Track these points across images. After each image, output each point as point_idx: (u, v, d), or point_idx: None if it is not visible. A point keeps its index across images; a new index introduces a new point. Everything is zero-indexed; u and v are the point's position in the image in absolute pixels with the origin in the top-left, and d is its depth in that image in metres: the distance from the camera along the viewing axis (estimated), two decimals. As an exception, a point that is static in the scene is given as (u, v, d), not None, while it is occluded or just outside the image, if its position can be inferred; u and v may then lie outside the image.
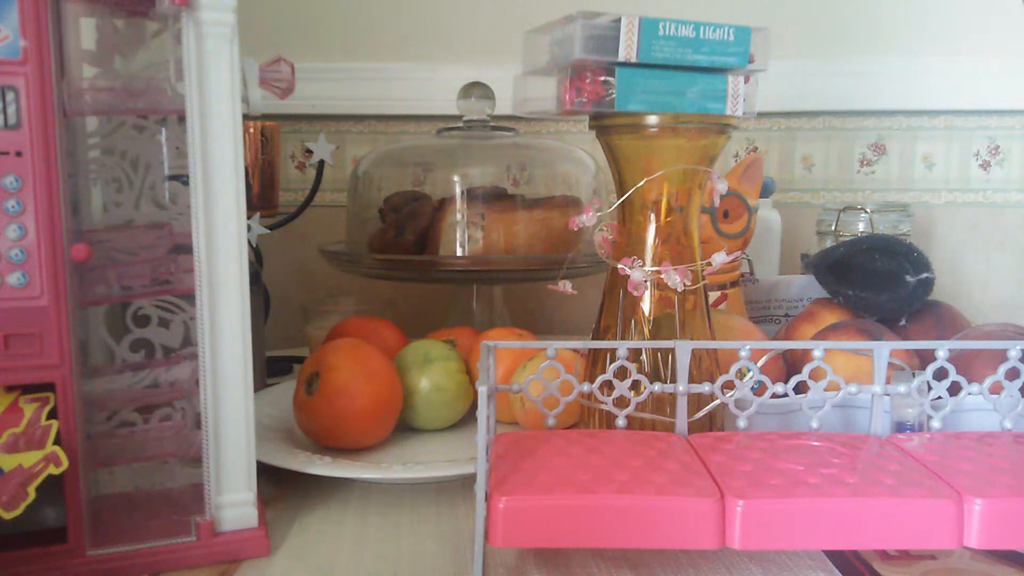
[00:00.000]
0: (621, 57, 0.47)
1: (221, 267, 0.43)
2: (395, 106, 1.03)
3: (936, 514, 0.39)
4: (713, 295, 0.73)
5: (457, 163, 0.85)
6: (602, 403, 0.48)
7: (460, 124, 0.85)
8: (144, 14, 0.45)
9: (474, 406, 0.50)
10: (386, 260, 0.80)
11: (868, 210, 0.88)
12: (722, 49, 0.48)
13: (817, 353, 0.48)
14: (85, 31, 0.44)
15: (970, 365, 0.55)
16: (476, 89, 0.83)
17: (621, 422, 0.48)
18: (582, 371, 0.57)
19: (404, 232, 0.81)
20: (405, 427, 0.64)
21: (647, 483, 0.40)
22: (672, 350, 0.50)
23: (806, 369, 0.48)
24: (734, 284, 0.75)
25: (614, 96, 0.48)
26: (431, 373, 0.63)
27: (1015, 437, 0.47)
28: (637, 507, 0.39)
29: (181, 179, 0.44)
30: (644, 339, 0.52)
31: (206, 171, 0.42)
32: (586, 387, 0.48)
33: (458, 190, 0.80)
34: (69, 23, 0.42)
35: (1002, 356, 0.48)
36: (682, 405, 0.48)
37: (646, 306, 0.52)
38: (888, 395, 0.49)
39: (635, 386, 0.48)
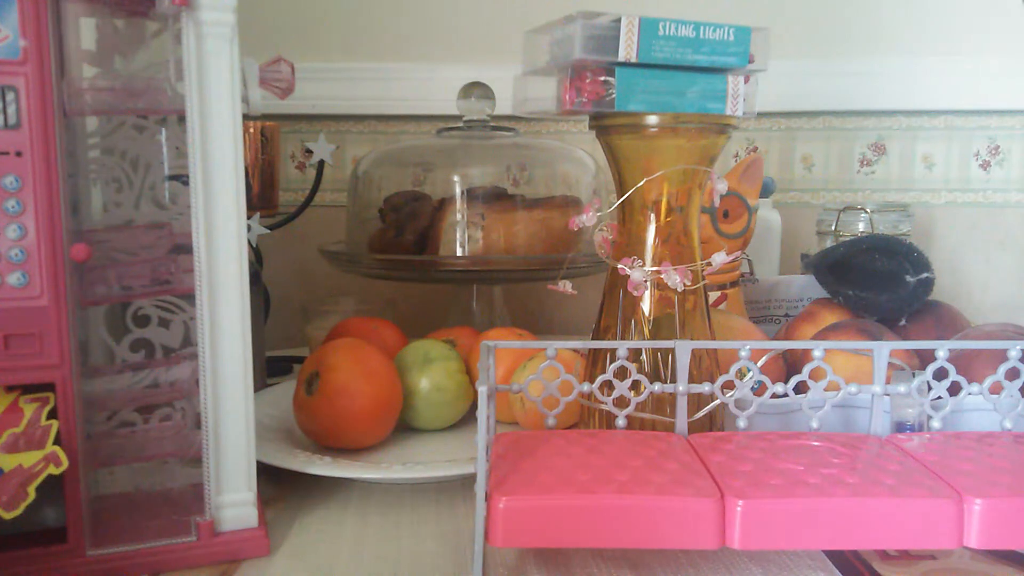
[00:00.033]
0: (621, 57, 0.47)
1: (221, 267, 0.43)
2: (395, 106, 1.03)
3: (936, 514, 0.39)
4: (713, 295, 0.73)
5: (457, 163, 0.85)
6: (602, 403, 0.48)
7: (460, 124, 0.85)
8: (144, 14, 0.45)
9: (474, 406, 0.50)
10: (386, 260, 0.80)
11: (868, 210, 0.88)
12: (722, 49, 0.48)
13: (817, 353, 0.48)
14: (85, 31, 0.44)
15: (970, 365, 0.55)
16: (476, 89, 0.83)
17: (621, 422, 0.48)
18: (582, 371, 0.57)
19: (404, 232, 0.81)
20: (405, 427, 0.64)
21: (647, 483, 0.40)
22: (672, 350, 0.50)
23: (806, 369, 0.48)
24: (734, 284, 0.75)
25: (614, 96, 0.48)
26: (431, 373, 0.63)
27: (1015, 437, 0.47)
28: (637, 507, 0.39)
29: (181, 179, 0.44)
30: (644, 339, 0.52)
31: (206, 171, 0.42)
32: (586, 387, 0.48)
33: (458, 190, 0.80)
34: (69, 23, 0.42)
35: (1002, 356, 0.48)
36: (682, 405, 0.48)
37: (646, 306, 0.52)
38: (888, 395, 0.49)
39: (635, 386, 0.48)
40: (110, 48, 0.45)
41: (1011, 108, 1.06)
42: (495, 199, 0.80)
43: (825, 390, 0.48)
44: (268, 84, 0.46)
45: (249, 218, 0.56)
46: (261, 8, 1.01)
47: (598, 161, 0.85)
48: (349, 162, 1.04)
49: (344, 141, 1.05)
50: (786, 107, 1.05)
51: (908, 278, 0.65)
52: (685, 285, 0.50)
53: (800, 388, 0.48)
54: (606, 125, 0.51)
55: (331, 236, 0.94)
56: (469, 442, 0.62)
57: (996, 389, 0.48)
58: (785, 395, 0.48)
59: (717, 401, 0.49)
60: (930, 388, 0.49)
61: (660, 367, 0.51)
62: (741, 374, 0.48)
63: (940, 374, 0.48)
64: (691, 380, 0.48)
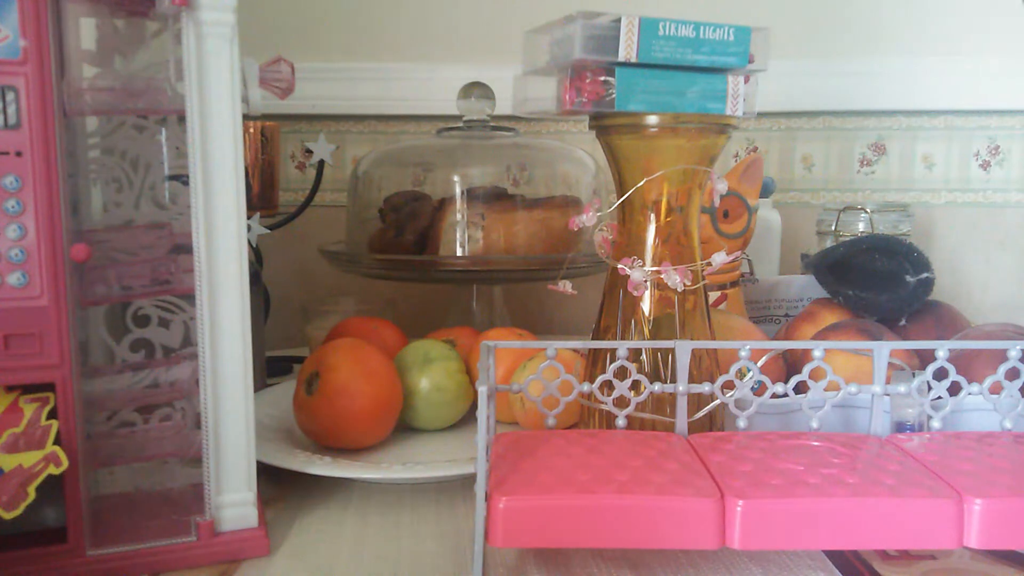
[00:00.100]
0: (621, 57, 0.47)
1: (221, 267, 0.43)
2: (395, 106, 1.03)
3: (936, 514, 0.39)
4: (713, 295, 0.73)
5: (457, 163, 0.85)
6: (602, 403, 0.48)
7: (460, 124, 0.85)
8: (144, 14, 0.45)
9: (474, 406, 0.50)
10: (386, 260, 0.80)
11: (868, 210, 0.88)
12: (722, 49, 0.48)
13: (817, 353, 0.48)
14: (85, 31, 0.44)
15: (970, 365, 0.55)
16: (476, 89, 0.83)
17: (621, 422, 0.48)
18: (582, 371, 0.57)
19: (404, 232, 0.81)
20: (405, 427, 0.64)
21: (647, 483, 0.40)
22: (672, 350, 0.50)
23: (806, 369, 0.48)
24: (734, 284, 0.75)
25: (614, 96, 0.48)
26: (431, 373, 0.63)
27: (1015, 437, 0.47)
28: (637, 507, 0.39)
29: (181, 179, 0.44)
30: (644, 339, 0.52)
31: (206, 171, 0.42)
32: (586, 387, 0.48)
33: (458, 190, 0.80)
34: (69, 23, 0.42)
35: (1002, 356, 0.48)
36: (682, 405, 0.48)
37: (646, 306, 0.52)
38: (888, 395, 0.49)
39: (635, 386, 0.48)
40: (110, 48, 0.45)
41: (1011, 108, 1.06)
42: (495, 199, 0.80)
43: (825, 390, 0.48)
44: (268, 84, 0.46)
45: (249, 218, 0.56)
46: (261, 8, 1.01)
47: (598, 161, 0.85)
48: (349, 162, 1.04)
49: (344, 141, 1.05)
50: (786, 107, 1.05)
51: (908, 278, 0.65)
52: (685, 285, 0.50)
53: (800, 388, 0.48)
54: (606, 125, 0.51)
55: (331, 236, 0.94)
56: (469, 442, 0.62)
57: (996, 389, 0.48)
58: (785, 395, 0.48)
59: (717, 401, 0.49)
60: (930, 388, 0.49)
61: (660, 367, 0.51)
62: (741, 374, 0.48)
63: (940, 374, 0.48)
64: (691, 380, 0.48)
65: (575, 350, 0.65)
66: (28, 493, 0.38)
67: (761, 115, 1.05)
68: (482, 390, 0.41)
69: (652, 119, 0.49)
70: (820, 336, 0.62)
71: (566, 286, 0.55)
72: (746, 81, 0.50)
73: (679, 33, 0.47)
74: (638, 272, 0.51)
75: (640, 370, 0.51)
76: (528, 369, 0.61)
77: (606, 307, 0.54)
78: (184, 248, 0.44)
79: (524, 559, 0.45)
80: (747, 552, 0.45)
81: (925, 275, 0.65)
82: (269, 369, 0.80)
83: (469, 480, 0.55)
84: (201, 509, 0.45)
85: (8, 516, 0.37)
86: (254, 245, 0.73)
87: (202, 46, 0.41)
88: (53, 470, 0.38)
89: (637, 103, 0.48)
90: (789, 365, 0.64)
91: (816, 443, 0.46)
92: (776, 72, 0.57)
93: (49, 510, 0.43)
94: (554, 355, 0.48)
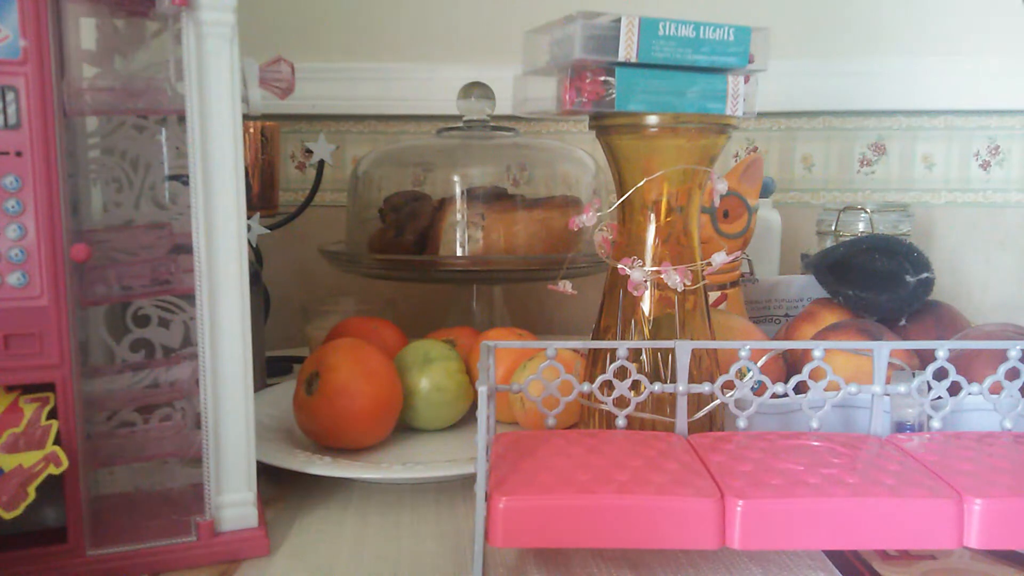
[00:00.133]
0: (621, 57, 0.47)
1: (221, 267, 0.43)
2: (395, 106, 1.03)
3: (936, 514, 0.39)
4: (713, 295, 0.73)
5: (457, 163, 0.85)
6: (602, 403, 0.48)
7: (460, 124, 0.85)
8: (144, 14, 0.45)
9: (474, 406, 0.50)
10: (386, 260, 0.80)
11: (868, 210, 0.88)
12: (722, 49, 0.48)
13: (817, 353, 0.48)
14: (85, 31, 0.44)
15: (970, 365, 0.55)
16: (476, 89, 0.83)
17: (621, 422, 0.48)
18: (582, 371, 0.57)
19: (404, 232, 0.81)
20: (405, 427, 0.64)
21: (647, 483, 0.40)
22: (672, 350, 0.50)
23: (806, 369, 0.48)
24: (734, 284, 0.75)
25: (614, 96, 0.48)
26: (431, 373, 0.63)
27: (1015, 437, 0.47)
28: (637, 507, 0.39)
29: (181, 179, 0.44)
30: (644, 339, 0.52)
31: (206, 171, 0.42)
32: (586, 387, 0.48)
33: (458, 190, 0.80)
34: (69, 23, 0.42)
35: (1002, 356, 0.48)
36: (682, 405, 0.48)
37: (646, 306, 0.52)
38: (888, 395, 0.49)
39: (635, 386, 0.48)
40: (110, 48, 0.45)
41: (1011, 108, 1.06)
42: (495, 199, 0.80)
43: (825, 390, 0.48)
44: (268, 84, 0.46)
45: (249, 218, 0.56)
46: (261, 8, 1.01)
47: (598, 161, 0.85)
48: (349, 162, 1.04)
49: (344, 141, 1.05)
50: (786, 107, 1.05)
51: (908, 278, 0.65)
52: (685, 285, 0.50)
53: (800, 388, 0.48)
54: (606, 125, 0.51)
55: (331, 236, 0.94)
56: (469, 442, 0.62)
57: (996, 389, 0.48)
58: (785, 395, 0.48)
59: (717, 401, 0.49)
60: (930, 388, 0.49)
61: (660, 367, 0.51)
62: (741, 374, 0.48)
63: (940, 374, 0.48)
64: (691, 380, 0.48)
65: (575, 350, 0.65)
66: (28, 493, 0.38)
67: (761, 115, 1.05)
68: (482, 390, 0.41)
69: (652, 119, 0.49)
70: (820, 336, 0.62)
71: (566, 286, 0.55)
72: (746, 81, 0.50)
73: (679, 33, 0.47)
74: (638, 272, 0.51)
75: (640, 370, 0.51)
76: (528, 369, 0.61)
77: (606, 307, 0.54)
78: (184, 248, 0.44)
79: (524, 559, 0.45)
80: (747, 552, 0.45)
81: (925, 275, 0.65)
82: (269, 369, 0.80)
83: (469, 480, 0.55)
84: (201, 509, 0.45)
85: (8, 516, 0.37)
86: (254, 245, 0.73)
87: (202, 46, 0.41)
88: (53, 470, 0.38)
89: (637, 103, 0.48)
90: (789, 365, 0.64)
91: (816, 443, 0.46)
92: (776, 72, 0.57)
93: (49, 510, 0.43)
94: (554, 355, 0.48)
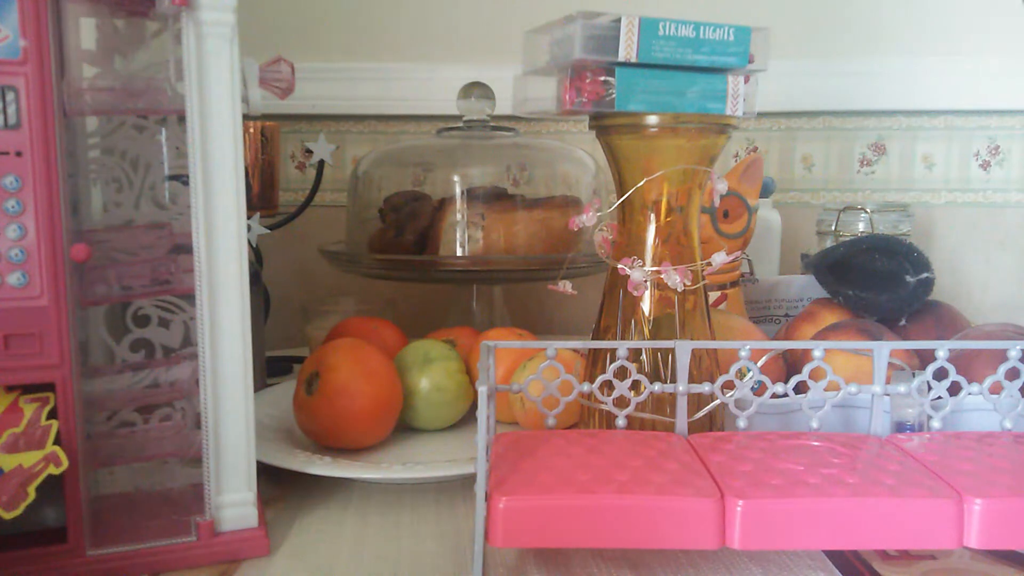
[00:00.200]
0: (621, 57, 0.47)
1: (221, 267, 0.43)
2: (395, 106, 1.03)
3: (936, 514, 0.39)
4: (713, 295, 0.73)
5: (457, 163, 0.85)
6: (602, 403, 0.48)
7: (460, 124, 0.85)
8: (144, 14, 0.45)
9: (474, 406, 0.50)
10: (386, 260, 0.80)
11: (868, 210, 0.88)
12: (722, 49, 0.48)
13: (817, 353, 0.48)
14: (85, 31, 0.44)
15: (970, 365, 0.55)
16: (476, 89, 0.83)
17: (621, 422, 0.48)
18: (582, 371, 0.57)
19: (404, 232, 0.81)
20: (405, 427, 0.64)
21: (647, 483, 0.40)
22: (672, 350, 0.50)
23: (806, 369, 0.48)
24: (734, 284, 0.75)
25: (614, 96, 0.48)
26: (431, 373, 0.63)
27: (1015, 437, 0.47)
28: (637, 507, 0.39)
29: (181, 179, 0.44)
30: (644, 339, 0.52)
31: (206, 171, 0.42)
32: (586, 387, 0.48)
33: (458, 190, 0.80)
34: (69, 23, 0.42)
35: (1002, 356, 0.48)
36: (682, 405, 0.48)
37: (646, 306, 0.52)
38: (888, 395, 0.49)
39: (635, 386, 0.48)
40: (110, 48, 0.45)
41: (1011, 108, 1.06)
42: (495, 199, 0.80)
43: (825, 390, 0.48)
44: (268, 84, 0.46)
45: (249, 218, 0.56)
46: (261, 8, 1.01)
47: (598, 161, 0.85)
48: (349, 162, 1.04)
49: (344, 141, 1.05)
50: (786, 107, 1.05)
51: (908, 278, 0.65)
52: (685, 285, 0.50)
53: (800, 388, 0.48)
54: (606, 125, 0.51)
55: (331, 236, 0.94)
56: (469, 442, 0.62)
57: (996, 389, 0.48)
58: (785, 395, 0.48)
59: (717, 401, 0.49)
60: (930, 388, 0.49)
61: (660, 367, 0.51)
62: (741, 374, 0.48)
63: (940, 374, 0.48)
64: (691, 380, 0.48)
65: (575, 350, 0.65)
66: (28, 493, 0.38)
67: (761, 115, 1.05)
68: (482, 390, 0.41)
69: (652, 119, 0.49)
70: (820, 336, 0.62)
71: (566, 286, 0.55)
72: (746, 81, 0.50)
73: (679, 33, 0.47)
74: (638, 272, 0.51)
75: (640, 370, 0.51)
76: (528, 369, 0.61)
77: (606, 307, 0.54)
78: (184, 248, 0.44)
79: (524, 559, 0.45)
80: (747, 552, 0.45)
81: (925, 275, 0.65)
82: (269, 369, 0.80)
83: (469, 480, 0.55)
84: (201, 509, 0.45)
85: (8, 516, 0.37)
86: (254, 245, 0.73)
87: (202, 46, 0.41)
88: (53, 470, 0.38)
89: (637, 103, 0.48)
90: (789, 365, 0.64)
91: (816, 443, 0.46)
92: (776, 72, 0.57)
93: (49, 510, 0.43)
94: (554, 355, 0.48)
